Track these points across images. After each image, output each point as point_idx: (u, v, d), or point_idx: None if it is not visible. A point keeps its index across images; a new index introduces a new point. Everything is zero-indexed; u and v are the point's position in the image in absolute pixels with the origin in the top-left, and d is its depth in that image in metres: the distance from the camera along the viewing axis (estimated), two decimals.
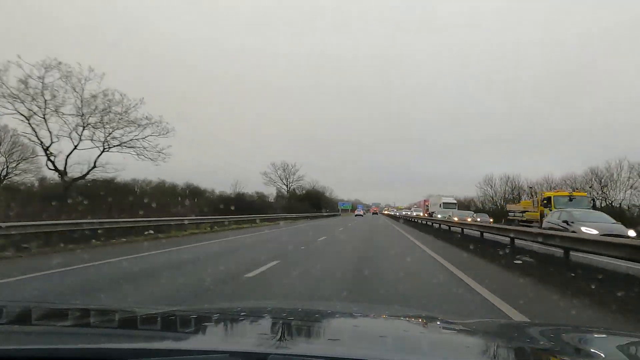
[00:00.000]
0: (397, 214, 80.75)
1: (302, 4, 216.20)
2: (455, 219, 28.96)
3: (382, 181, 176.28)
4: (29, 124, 24.22)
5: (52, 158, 25.44)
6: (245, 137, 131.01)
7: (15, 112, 23.62)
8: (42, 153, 25.91)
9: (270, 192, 72.75)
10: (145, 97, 29.03)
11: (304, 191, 79.55)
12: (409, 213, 66.44)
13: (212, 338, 1.57)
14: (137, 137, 26.93)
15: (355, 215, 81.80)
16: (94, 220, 15.69)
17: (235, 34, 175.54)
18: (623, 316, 5.62)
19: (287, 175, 76.20)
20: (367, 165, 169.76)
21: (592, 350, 1.66)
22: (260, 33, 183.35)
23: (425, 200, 60.05)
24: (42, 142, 24.96)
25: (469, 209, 50.83)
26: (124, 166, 27.72)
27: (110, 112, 26.05)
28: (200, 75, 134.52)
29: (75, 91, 24.88)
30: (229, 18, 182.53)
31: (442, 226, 24.34)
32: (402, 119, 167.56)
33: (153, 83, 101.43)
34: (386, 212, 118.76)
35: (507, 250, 11.98)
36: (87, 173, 26.29)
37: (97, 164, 26.33)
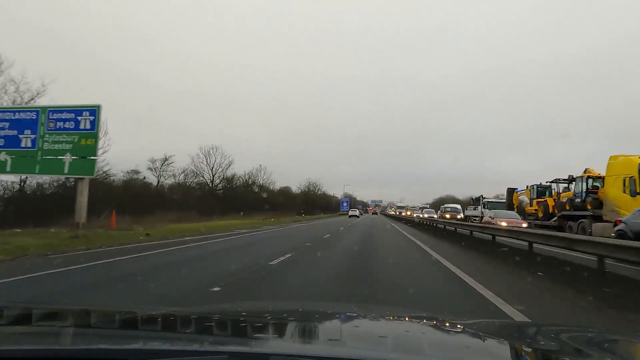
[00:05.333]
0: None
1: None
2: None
3: (382, 180, 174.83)
4: None
5: None
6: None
7: None
8: None
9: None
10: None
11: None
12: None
13: (212, 338, 1.57)
14: None
15: (350, 217, 62.45)
16: None
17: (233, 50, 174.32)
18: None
19: (209, 162, 55.74)
20: (365, 163, 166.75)
21: (592, 350, 1.66)
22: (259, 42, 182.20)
23: None
24: None
25: None
26: None
27: None
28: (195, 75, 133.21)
29: None
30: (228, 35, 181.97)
31: None
32: (407, 113, 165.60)
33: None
34: (408, 213, 67.10)
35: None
36: None
37: None
